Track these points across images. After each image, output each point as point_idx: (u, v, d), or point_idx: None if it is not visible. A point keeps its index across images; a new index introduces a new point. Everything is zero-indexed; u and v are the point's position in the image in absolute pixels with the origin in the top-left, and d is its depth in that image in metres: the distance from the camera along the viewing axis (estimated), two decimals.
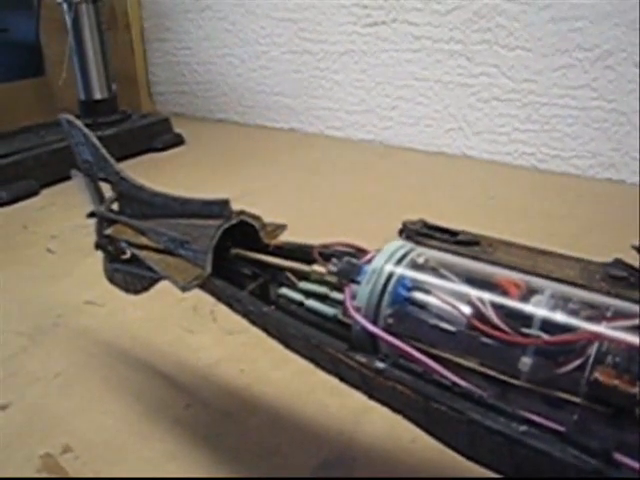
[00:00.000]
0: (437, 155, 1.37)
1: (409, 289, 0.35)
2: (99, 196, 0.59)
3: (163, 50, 1.86)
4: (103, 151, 0.56)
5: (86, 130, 0.57)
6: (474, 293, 0.34)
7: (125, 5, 1.84)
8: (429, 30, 1.30)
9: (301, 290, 0.44)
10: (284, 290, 0.43)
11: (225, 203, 0.46)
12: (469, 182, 1.21)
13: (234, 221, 0.46)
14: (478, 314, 0.33)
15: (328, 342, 0.35)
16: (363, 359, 0.33)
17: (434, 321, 0.34)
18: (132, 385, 0.66)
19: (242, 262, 0.47)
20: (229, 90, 1.75)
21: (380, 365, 0.33)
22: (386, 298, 0.35)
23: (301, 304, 0.42)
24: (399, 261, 0.36)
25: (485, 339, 0.32)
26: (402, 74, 1.37)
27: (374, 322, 0.35)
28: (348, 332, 0.38)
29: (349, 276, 0.37)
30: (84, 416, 0.61)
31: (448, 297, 0.34)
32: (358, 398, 0.41)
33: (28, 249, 1.02)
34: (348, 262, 0.38)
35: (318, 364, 0.38)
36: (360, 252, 0.42)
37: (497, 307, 0.33)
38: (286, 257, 0.47)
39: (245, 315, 0.43)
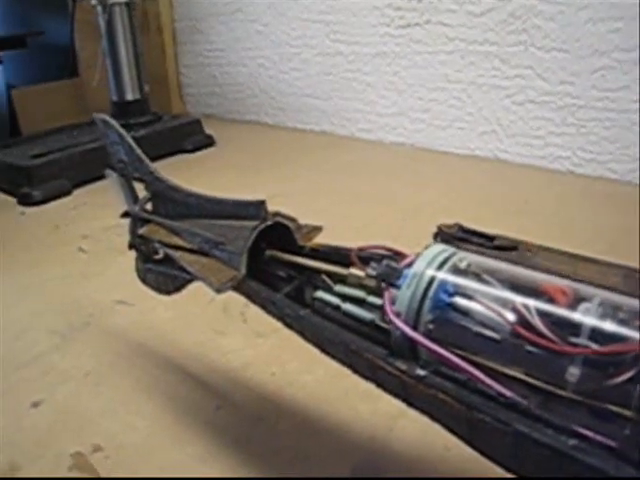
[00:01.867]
0: (469, 158, 1.35)
1: (451, 294, 0.34)
2: (133, 196, 0.58)
3: (194, 52, 1.87)
4: (138, 151, 0.56)
5: (121, 130, 0.57)
6: (519, 300, 0.32)
7: (157, 8, 1.86)
8: (463, 32, 1.29)
9: (337, 293, 0.44)
10: (320, 293, 0.43)
11: (261, 204, 0.45)
12: (502, 186, 1.19)
13: (270, 222, 0.45)
14: (523, 321, 0.32)
15: (367, 348, 0.34)
16: (403, 366, 0.32)
17: (477, 328, 0.33)
18: (162, 386, 0.65)
19: (277, 264, 0.46)
20: (260, 92, 1.75)
21: (421, 372, 0.32)
22: (427, 303, 0.34)
23: (337, 308, 0.41)
24: (440, 265, 0.35)
25: (530, 348, 0.31)
26: (435, 76, 1.36)
27: (414, 328, 0.34)
28: (386, 338, 0.37)
29: (389, 280, 0.36)
30: (114, 416, 0.61)
31: (492, 303, 0.33)
32: (391, 403, 0.40)
33: (60, 248, 1.03)
34: (388, 265, 0.37)
35: (355, 370, 0.37)
36: (399, 256, 0.41)
37: (543, 314, 0.31)
38: (322, 260, 0.46)
39: (280, 318, 0.42)
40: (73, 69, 1.90)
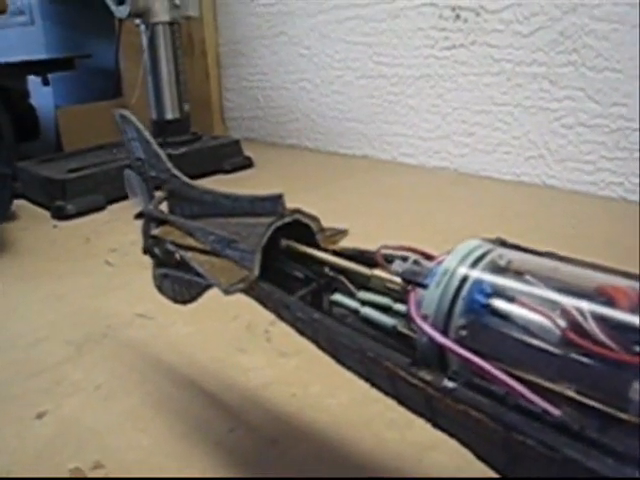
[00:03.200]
0: (515, 184, 1.28)
1: (488, 295, 0.29)
2: (150, 196, 0.55)
3: (238, 75, 1.87)
4: (155, 147, 0.53)
5: (139, 125, 0.54)
6: (570, 301, 0.27)
7: (202, 32, 1.87)
8: (510, 52, 1.24)
9: (359, 300, 0.39)
10: (337, 296, 0.38)
11: (278, 198, 0.41)
12: (549, 213, 1.12)
13: (288, 219, 0.41)
14: (576, 327, 0.26)
15: (387, 355, 0.29)
16: (428, 376, 0.27)
17: (519, 335, 0.27)
18: (174, 403, 0.61)
19: (294, 264, 0.41)
20: (301, 115, 1.73)
21: (450, 384, 0.27)
22: (459, 305, 0.29)
23: (356, 312, 0.36)
24: (476, 262, 0.30)
25: (584, 359, 0.25)
26: (480, 99, 1.31)
27: (443, 333, 0.29)
28: (410, 348, 0.32)
29: (415, 279, 0.31)
30: (120, 432, 0.57)
31: (537, 306, 0.28)
32: (421, 433, 0.35)
33: (87, 261, 1.01)
34: (415, 262, 0.32)
35: (373, 382, 0.32)
36: (428, 258, 0.36)
37: (600, 319, 0.26)
38: (344, 263, 0.41)
39: (293, 324, 0.37)
40: (117, 90, 1.92)
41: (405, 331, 0.33)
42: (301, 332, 0.37)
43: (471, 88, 1.32)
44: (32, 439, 0.57)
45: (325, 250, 0.43)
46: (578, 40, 1.13)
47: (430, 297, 0.30)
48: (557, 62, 1.17)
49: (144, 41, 1.45)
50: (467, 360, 0.28)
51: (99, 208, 1.27)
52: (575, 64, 1.15)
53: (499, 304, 0.29)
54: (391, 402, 0.33)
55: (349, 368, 0.34)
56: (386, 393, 0.31)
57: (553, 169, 1.23)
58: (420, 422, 0.31)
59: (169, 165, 0.51)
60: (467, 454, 0.29)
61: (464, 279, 0.29)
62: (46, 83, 1.98)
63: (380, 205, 1.19)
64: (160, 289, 0.61)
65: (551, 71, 1.18)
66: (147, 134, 0.53)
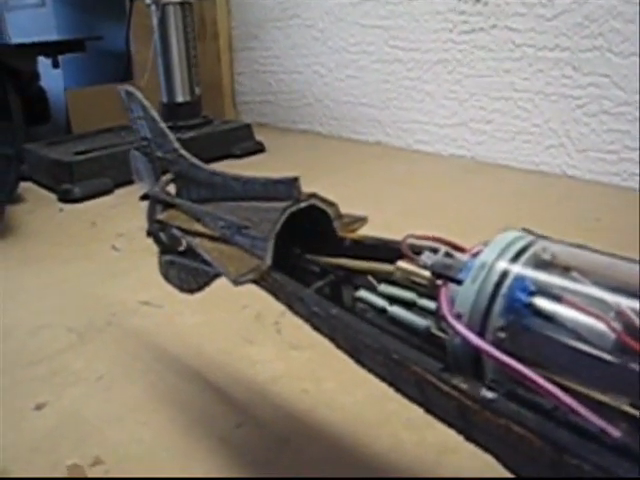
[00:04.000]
0: (534, 173, 1.24)
1: (531, 293, 0.26)
2: (156, 178, 0.52)
3: (250, 59, 1.83)
4: (162, 125, 0.49)
5: (145, 102, 0.51)
6: (627, 302, 0.24)
7: (214, 14, 1.83)
8: (532, 37, 1.19)
9: (382, 294, 0.35)
10: (363, 293, 0.35)
11: (293, 182, 0.38)
12: (570, 204, 1.08)
13: (303, 204, 0.37)
14: (633, 331, 0.23)
15: (415, 358, 0.26)
16: (464, 385, 0.24)
17: (567, 339, 0.24)
18: (179, 396, 0.58)
19: (311, 256, 0.38)
20: (314, 100, 1.69)
21: (489, 395, 0.23)
22: (498, 304, 0.26)
23: (383, 311, 0.33)
24: (517, 256, 0.27)
25: None
26: (500, 85, 1.27)
27: (480, 335, 0.25)
28: (441, 351, 0.28)
29: (447, 272, 0.28)
30: (121, 425, 0.54)
31: (588, 306, 0.24)
32: (440, 434, 0.32)
33: (93, 245, 0.98)
34: (447, 254, 0.28)
35: (398, 388, 0.28)
36: (458, 250, 0.32)
37: None
38: (365, 254, 0.38)
39: (308, 319, 0.34)
40: (128, 72, 1.89)
41: (438, 333, 0.30)
42: (317, 328, 0.34)
43: (490, 74, 1.28)
44: (30, 432, 0.55)
45: (343, 240, 0.40)
46: (604, 24, 1.09)
47: (465, 294, 0.26)
48: (581, 47, 1.13)
49: (154, 21, 1.42)
50: (507, 366, 0.24)
51: (106, 192, 1.24)
52: (600, 49, 1.10)
53: (544, 303, 0.25)
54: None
55: (370, 370, 0.30)
56: (413, 400, 0.28)
57: (574, 159, 1.19)
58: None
59: (176, 145, 0.48)
60: (489, 458, 0.26)
61: (504, 274, 0.26)
62: (56, 65, 1.94)
63: (393, 194, 1.16)
64: (166, 277, 0.58)
65: (575, 56, 1.14)
66: (153, 112, 0.50)
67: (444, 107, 1.39)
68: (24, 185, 1.33)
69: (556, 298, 0.25)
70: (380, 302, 0.34)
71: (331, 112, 1.65)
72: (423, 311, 0.33)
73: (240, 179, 0.42)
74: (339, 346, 0.32)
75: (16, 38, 2.01)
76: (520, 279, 0.26)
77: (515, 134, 1.27)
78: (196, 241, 0.43)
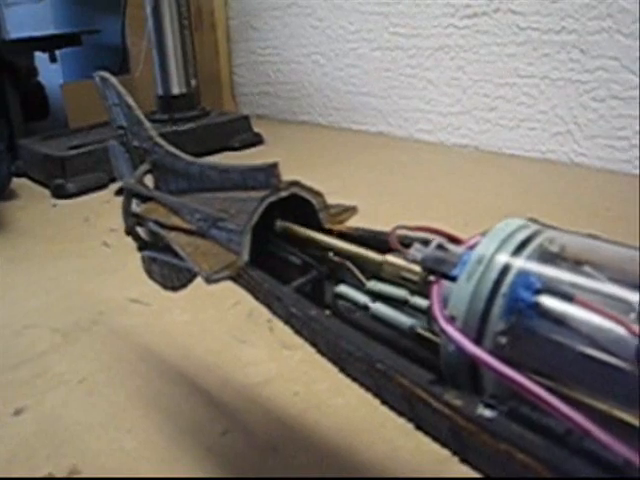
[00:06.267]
0: (540, 162, 1.20)
1: (536, 291, 0.22)
2: (134, 169, 0.49)
3: (248, 50, 1.80)
4: (138, 112, 0.46)
5: (120, 88, 0.47)
6: None
7: (211, 4, 1.79)
8: (537, 20, 1.15)
9: (369, 292, 0.32)
10: (342, 288, 0.31)
11: (272, 168, 0.34)
12: (578, 193, 1.04)
13: (284, 193, 0.34)
14: None
15: (402, 368, 0.23)
16: (457, 400, 0.20)
17: (579, 345, 0.20)
18: (165, 401, 0.55)
19: (291, 248, 0.35)
20: (314, 91, 1.65)
21: (486, 413, 0.20)
22: (498, 304, 0.22)
23: (365, 308, 0.29)
24: (520, 248, 0.23)
25: None
26: (503, 71, 1.23)
27: (477, 341, 0.22)
28: (434, 355, 0.25)
29: (439, 267, 0.24)
30: (102, 433, 0.51)
31: (603, 306, 0.21)
32: None
33: (84, 242, 0.95)
34: (440, 246, 0.25)
35: (385, 400, 0.25)
36: (454, 242, 0.29)
37: None
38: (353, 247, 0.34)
39: (287, 321, 0.31)
40: (124, 66, 1.85)
41: (426, 333, 0.26)
42: (297, 331, 0.30)
43: (494, 59, 1.24)
44: (7, 438, 0.51)
45: (329, 231, 0.36)
46: (613, 4, 1.04)
47: (459, 292, 0.23)
48: (589, 29, 1.08)
49: (147, 10, 1.38)
50: (507, 378, 0.21)
51: (101, 186, 1.21)
52: (609, 31, 1.06)
53: (551, 303, 0.22)
54: None
55: (355, 380, 0.27)
56: (400, 414, 0.24)
57: (582, 146, 1.15)
58: None
59: (152, 133, 0.45)
60: None
61: (505, 270, 0.22)
62: (53, 60, 1.91)
63: (395, 184, 1.12)
64: (149, 274, 0.55)
65: (582, 39, 1.10)
66: (129, 98, 0.47)
67: (446, 95, 1.35)
68: (18, 181, 1.30)
69: (566, 297, 0.22)
70: (362, 298, 0.30)
71: (331, 102, 1.61)
72: (415, 310, 0.30)
73: (217, 168, 0.39)
74: (321, 352, 0.29)
75: (15, 33, 1.98)
76: (524, 275, 0.22)
77: (520, 121, 1.23)
78: (171, 235, 0.39)
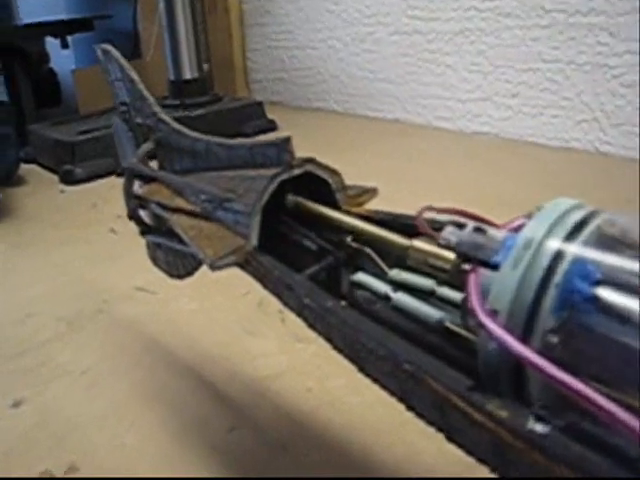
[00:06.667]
0: (564, 151, 1.16)
1: (595, 283, 0.18)
2: (136, 148, 0.45)
3: (262, 35, 1.76)
4: (141, 86, 0.43)
5: (123, 61, 0.44)
6: None
7: None
8: (563, 1, 1.10)
9: (391, 281, 0.29)
10: (361, 276, 0.28)
11: (284, 143, 0.31)
12: (603, 183, 0.99)
13: (297, 171, 0.31)
14: None
15: (434, 370, 0.19)
16: (503, 412, 0.17)
17: None
18: (169, 394, 0.52)
19: (305, 231, 0.31)
20: (329, 77, 1.61)
21: (539, 428, 0.16)
22: (550, 297, 0.19)
23: (387, 298, 0.26)
24: (574, 231, 0.20)
25: None
26: (527, 55, 1.18)
27: (524, 339, 0.18)
28: (465, 354, 0.21)
29: (478, 253, 0.21)
30: (103, 427, 0.48)
31: None
32: None
33: (91, 228, 0.92)
34: (478, 229, 0.21)
35: (411, 406, 0.22)
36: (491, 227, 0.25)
37: None
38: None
39: (299, 312, 0.27)
40: (136, 51, 1.83)
41: (456, 328, 0.23)
42: (310, 324, 0.27)
43: (517, 43, 1.19)
44: (5, 431, 0.49)
45: (347, 213, 0.33)
46: None
47: (503, 282, 0.19)
48: (618, 10, 1.03)
49: None
50: (562, 384, 0.17)
51: (110, 172, 1.18)
52: None
53: (613, 297, 0.18)
54: None
55: (375, 381, 0.24)
56: (429, 422, 0.21)
57: (608, 134, 1.10)
58: None
59: (156, 108, 0.41)
60: None
61: (558, 256, 0.19)
62: (65, 46, 1.89)
63: (413, 173, 1.08)
64: (154, 261, 0.52)
65: (611, 21, 1.05)
66: (132, 72, 0.43)
67: (466, 81, 1.30)
68: (27, 167, 1.28)
69: (630, 289, 0.18)
70: (383, 288, 0.27)
71: (347, 88, 1.57)
72: (444, 302, 0.26)
73: (224, 144, 0.35)
74: (337, 348, 0.25)
75: (26, 19, 1.96)
76: (580, 263, 0.19)
77: (543, 108, 1.18)
78: (174, 218, 0.36)
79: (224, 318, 0.63)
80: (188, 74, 1.42)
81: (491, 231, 0.21)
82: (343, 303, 0.28)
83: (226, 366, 0.55)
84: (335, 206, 0.33)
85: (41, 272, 0.79)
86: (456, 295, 0.26)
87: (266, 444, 0.45)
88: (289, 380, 0.52)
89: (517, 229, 0.21)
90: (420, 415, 0.21)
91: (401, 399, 0.22)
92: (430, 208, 0.26)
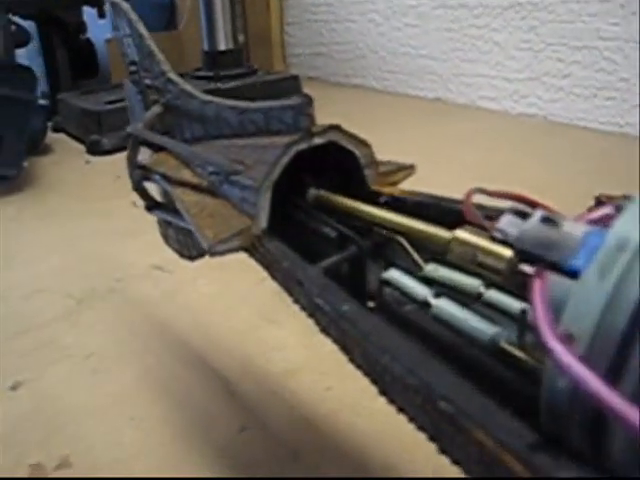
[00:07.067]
0: (617, 136, 1.08)
1: None
2: (146, 112, 0.41)
3: (301, 7, 1.69)
4: (150, 42, 0.38)
5: (132, 14, 0.39)
6: None
7: None
8: None
9: (428, 279, 0.23)
10: (393, 273, 0.22)
11: (303, 105, 0.25)
12: None
13: (318, 140, 0.25)
14: None
15: (482, 416, 0.14)
16: None
17: None
18: (176, 386, 0.48)
19: (324, 216, 0.26)
20: (369, 52, 1.54)
21: None
22: None
23: (426, 305, 0.21)
24: None
25: None
26: (583, 32, 1.10)
27: (611, 378, 0.13)
28: (523, 381, 0.16)
29: (547, 253, 0.15)
30: (103, 419, 0.44)
31: None
32: None
33: (113, 201, 0.88)
34: (546, 219, 0.16)
35: (447, 451, 0.16)
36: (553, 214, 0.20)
37: None
38: (409, 216, 0.25)
39: (311, 313, 0.22)
40: (172, 21, 1.78)
41: (514, 351, 0.17)
42: (323, 329, 0.22)
43: (572, 19, 1.11)
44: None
45: (376, 194, 0.27)
46: None
47: (585, 297, 0.14)
48: None
49: None
50: None
51: None
52: None
53: None
54: None
55: (401, 411, 0.18)
56: (467, 472, 0.16)
57: None
58: None
59: (165, 67, 0.36)
60: None
61: None
62: (102, 15, 1.85)
63: (452, 155, 1.01)
64: (166, 239, 0.48)
65: None
66: (141, 26, 0.38)
67: (515, 59, 1.22)
68: (56, 137, 1.25)
69: None
70: (421, 291, 0.21)
71: (387, 65, 1.50)
72: (494, 310, 0.21)
73: (236, 107, 0.30)
74: (355, 362, 0.20)
75: None
76: None
77: (597, 90, 1.10)
78: (177, 192, 0.31)
79: (241, 304, 0.58)
80: (223, 45, 1.37)
81: (566, 223, 0.16)
82: (371, 304, 0.23)
83: (240, 358, 0.50)
84: (362, 183, 0.28)
85: (57, 245, 0.75)
86: (509, 302, 0.21)
87: (276, 448, 0.41)
88: (307, 377, 0.47)
89: (600, 222, 0.16)
90: (456, 462, 0.16)
91: (432, 439, 0.17)
92: (481, 190, 0.21)
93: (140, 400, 0.46)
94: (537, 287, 0.15)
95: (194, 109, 0.34)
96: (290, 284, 0.23)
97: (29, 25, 1.47)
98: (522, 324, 0.16)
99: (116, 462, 0.40)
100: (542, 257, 0.15)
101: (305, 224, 0.26)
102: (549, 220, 0.16)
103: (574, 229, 0.16)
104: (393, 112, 1.34)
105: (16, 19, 1.35)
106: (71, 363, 0.51)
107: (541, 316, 0.14)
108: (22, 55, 1.52)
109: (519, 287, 0.18)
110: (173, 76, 0.36)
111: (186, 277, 0.63)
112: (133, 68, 0.40)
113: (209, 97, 0.33)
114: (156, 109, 0.38)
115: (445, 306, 0.20)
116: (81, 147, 1.17)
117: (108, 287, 0.63)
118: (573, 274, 0.15)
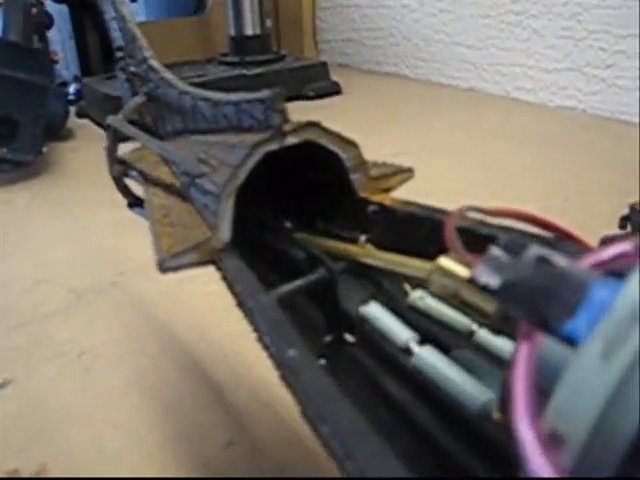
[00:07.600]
0: None
1: None
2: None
3: None
4: (132, 25, 0.34)
5: None
6: None
7: None
8: None
9: (413, 308, 0.19)
10: (371, 308, 0.19)
11: (272, 99, 0.22)
12: None
13: (292, 140, 0.21)
14: None
15: None
16: None
17: None
18: (166, 391, 0.45)
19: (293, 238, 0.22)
20: (402, 39, 1.49)
21: None
22: None
23: (407, 352, 0.17)
24: None
25: None
26: (628, 19, 1.03)
27: None
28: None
29: (536, 309, 0.11)
30: (85, 426, 0.42)
31: None
32: None
33: None
34: (541, 260, 0.12)
35: None
36: (571, 241, 0.16)
37: None
38: (398, 232, 0.22)
39: (266, 347, 0.19)
40: (201, 5, 1.76)
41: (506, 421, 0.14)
42: (282, 377, 0.18)
43: (618, 5, 1.04)
44: None
45: (367, 203, 0.24)
46: None
47: (580, 382, 0.10)
48: None
49: None
50: None
51: None
52: None
53: None
54: None
55: None
56: None
57: None
58: None
59: (147, 53, 0.33)
60: None
61: None
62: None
63: (483, 149, 0.96)
64: None
65: None
66: (125, 8, 0.35)
67: (554, 48, 1.16)
68: (80, 122, 1.24)
69: None
70: (402, 334, 0.17)
71: (420, 52, 1.45)
72: (486, 353, 0.17)
73: (210, 99, 0.27)
74: (319, 436, 0.17)
75: None
76: None
77: None
78: (150, 192, 0.28)
79: None
80: (250, 30, 1.34)
81: (566, 266, 0.12)
82: (349, 338, 0.20)
83: (235, 364, 0.47)
84: (350, 189, 0.24)
85: (64, 234, 0.73)
86: (506, 346, 0.17)
87: (265, 466, 0.37)
88: None
89: (612, 263, 0.12)
90: None
91: None
92: (471, 208, 0.17)
93: (127, 406, 0.43)
94: (521, 356, 0.11)
95: (173, 100, 0.31)
96: (243, 309, 0.20)
97: (61, 9, 1.46)
98: (503, 395, 0.13)
99: (95, 471, 0.38)
100: (530, 315, 0.11)
101: (272, 243, 0.22)
102: (543, 260, 0.12)
103: (576, 275, 0.12)
104: (425, 101, 1.29)
105: (48, 2, 1.33)
106: (64, 361, 0.49)
107: (520, 403, 0.10)
108: (55, 39, 1.52)
109: (515, 329, 0.14)
110: (154, 63, 0.33)
111: (187, 275, 0.60)
112: (119, 54, 0.37)
113: (187, 87, 0.30)
114: (138, 99, 0.34)
115: (429, 358, 0.16)
116: (103, 133, 1.15)
117: (110, 281, 0.61)
118: (572, 342, 0.11)
